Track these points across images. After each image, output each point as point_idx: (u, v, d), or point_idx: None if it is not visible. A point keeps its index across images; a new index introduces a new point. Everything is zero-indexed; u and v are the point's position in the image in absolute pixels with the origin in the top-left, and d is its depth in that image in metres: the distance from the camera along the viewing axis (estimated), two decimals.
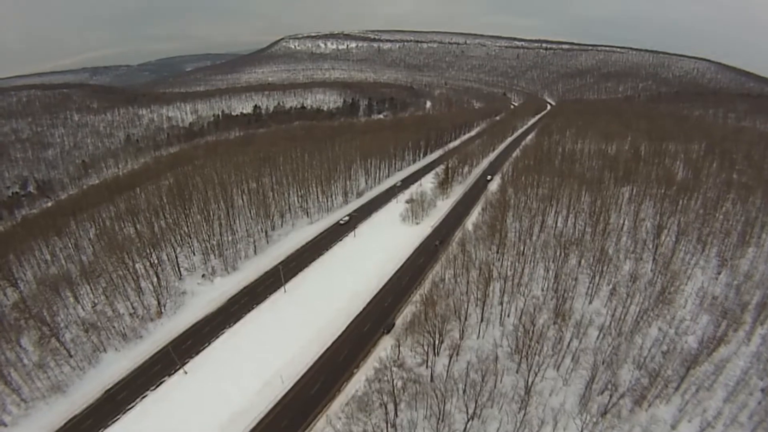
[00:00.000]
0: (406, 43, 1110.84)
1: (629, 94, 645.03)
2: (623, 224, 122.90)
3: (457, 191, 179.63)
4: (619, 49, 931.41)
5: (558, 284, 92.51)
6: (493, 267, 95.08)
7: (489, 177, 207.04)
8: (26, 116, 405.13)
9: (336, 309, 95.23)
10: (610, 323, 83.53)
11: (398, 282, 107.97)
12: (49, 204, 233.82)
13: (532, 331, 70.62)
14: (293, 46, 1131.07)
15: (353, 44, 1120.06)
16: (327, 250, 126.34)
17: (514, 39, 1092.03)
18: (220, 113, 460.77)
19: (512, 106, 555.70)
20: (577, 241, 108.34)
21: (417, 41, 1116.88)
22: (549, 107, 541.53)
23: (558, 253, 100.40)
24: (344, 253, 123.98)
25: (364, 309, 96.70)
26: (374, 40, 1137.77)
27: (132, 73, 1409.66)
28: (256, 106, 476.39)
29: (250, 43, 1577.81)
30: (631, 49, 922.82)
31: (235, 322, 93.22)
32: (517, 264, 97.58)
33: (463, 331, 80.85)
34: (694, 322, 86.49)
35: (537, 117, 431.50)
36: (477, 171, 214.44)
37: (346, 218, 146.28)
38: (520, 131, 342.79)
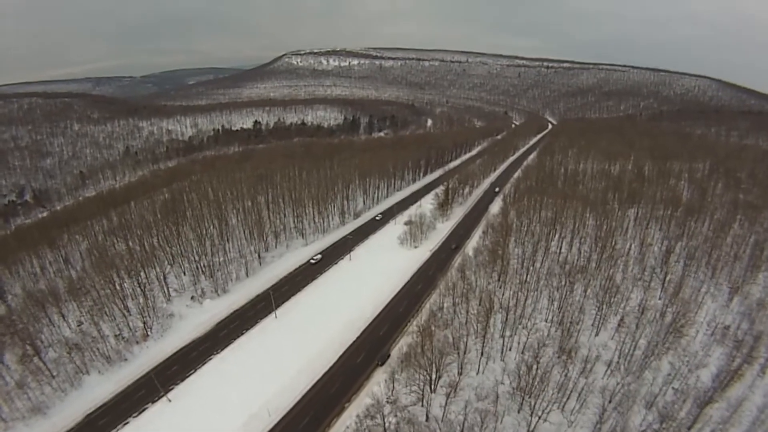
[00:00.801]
0: (407, 61, 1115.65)
1: (631, 112, 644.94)
2: (630, 249, 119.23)
3: (458, 213, 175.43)
4: (620, 68, 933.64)
5: (563, 316, 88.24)
6: (495, 297, 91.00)
7: (497, 189, 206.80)
8: (26, 124, 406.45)
9: (329, 337, 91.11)
10: (619, 358, 79.40)
11: (395, 309, 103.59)
12: (45, 214, 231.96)
13: (536, 368, 66.42)
14: (295, 62, 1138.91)
15: (355, 61, 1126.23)
16: (321, 273, 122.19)
17: (516, 57, 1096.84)
18: (220, 128, 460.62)
19: (513, 125, 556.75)
20: (583, 268, 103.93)
21: (419, 59, 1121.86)
22: (550, 126, 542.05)
23: (563, 282, 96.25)
24: (339, 278, 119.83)
25: (358, 338, 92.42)
26: (376, 57, 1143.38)
27: (135, 85, 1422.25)
28: (256, 121, 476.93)
29: (253, 59, 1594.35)
30: (632, 67, 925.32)
31: (223, 348, 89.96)
32: (519, 294, 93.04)
33: (461, 366, 76.43)
34: (706, 355, 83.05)
35: (539, 136, 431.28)
36: (478, 192, 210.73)
37: (318, 257, 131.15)
38: (521, 151, 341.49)
